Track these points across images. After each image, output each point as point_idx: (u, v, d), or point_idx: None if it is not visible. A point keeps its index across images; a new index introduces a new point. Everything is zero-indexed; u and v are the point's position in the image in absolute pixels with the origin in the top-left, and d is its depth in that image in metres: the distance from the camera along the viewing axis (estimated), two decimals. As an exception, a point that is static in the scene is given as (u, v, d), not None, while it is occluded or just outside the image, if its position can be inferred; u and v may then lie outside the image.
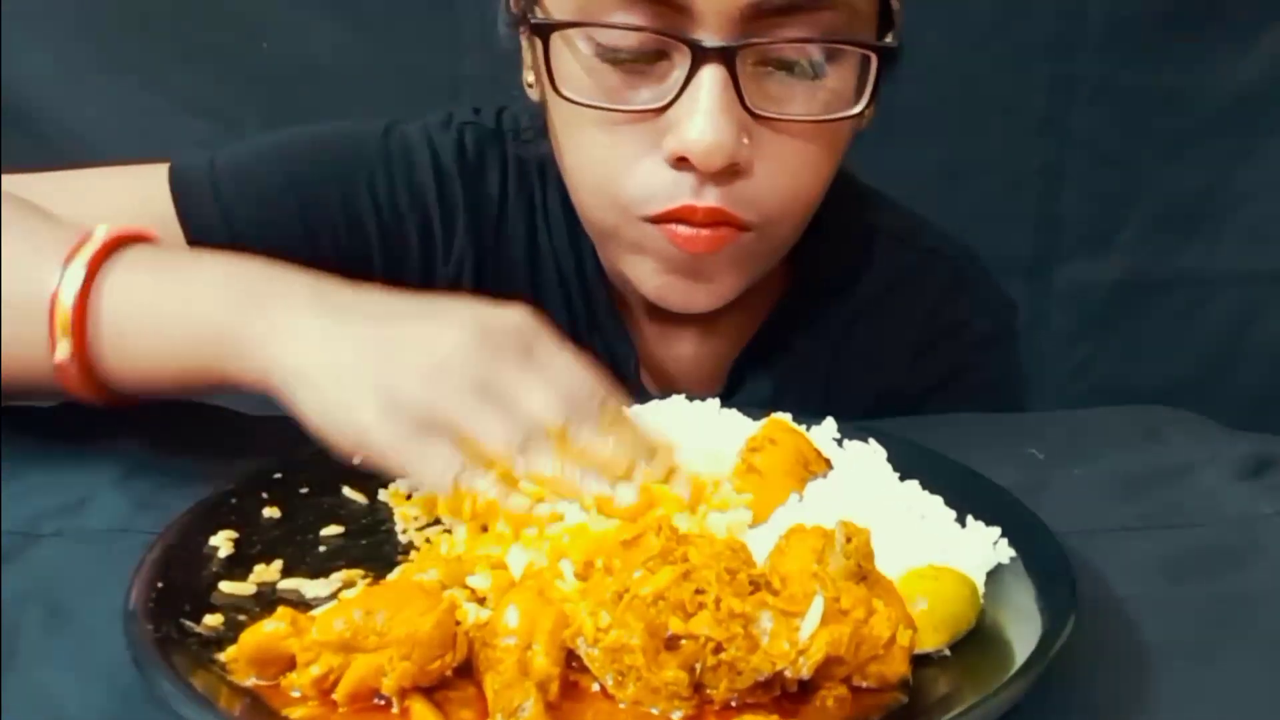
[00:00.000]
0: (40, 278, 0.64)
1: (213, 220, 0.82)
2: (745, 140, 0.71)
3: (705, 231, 0.73)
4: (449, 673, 0.48)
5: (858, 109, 0.73)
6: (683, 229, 0.73)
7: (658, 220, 0.74)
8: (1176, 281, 1.68)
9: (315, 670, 0.47)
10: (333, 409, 0.58)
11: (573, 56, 0.73)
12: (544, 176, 0.89)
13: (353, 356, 0.59)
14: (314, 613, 0.50)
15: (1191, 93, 1.60)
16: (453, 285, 0.89)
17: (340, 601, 0.51)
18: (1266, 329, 1.69)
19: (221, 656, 0.49)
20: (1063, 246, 1.67)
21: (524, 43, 0.81)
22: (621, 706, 0.48)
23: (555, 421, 0.57)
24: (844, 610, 0.48)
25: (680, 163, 0.71)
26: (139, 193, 0.82)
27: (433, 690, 0.48)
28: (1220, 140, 1.63)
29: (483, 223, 0.89)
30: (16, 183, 0.77)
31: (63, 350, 0.63)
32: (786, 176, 0.74)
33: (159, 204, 0.82)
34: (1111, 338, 1.70)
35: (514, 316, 0.61)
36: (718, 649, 0.48)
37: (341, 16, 1.51)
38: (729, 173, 0.71)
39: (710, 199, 0.72)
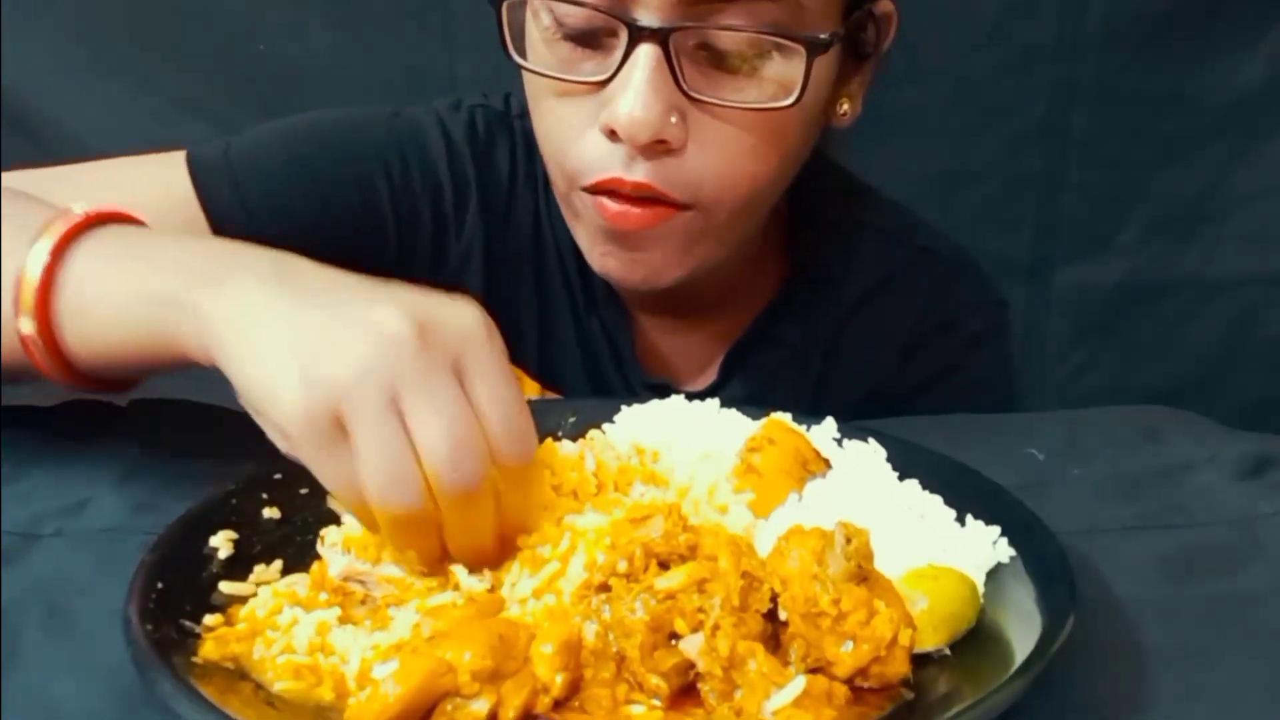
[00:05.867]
0: (15, 256, 0.64)
1: (232, 206, 0.83)
2: (674, 119, 0.72)
3: (635, 209, 0.75)
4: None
5: (789, 101, 0.73)
6: (611, 203, 0.75)
7: (592, 191, 0.76)
8: (1176, 284, 1.68)
9: (481, 706, 0.46)
10: (259, 387, 0.54)
11: (535, 28, 0.75)
12: None
13: (289, 333, 0.54)
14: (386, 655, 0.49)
15: (1191, 96, 1.60)
16: (463, 262, 0.90)
17: (444, 634, 0.49)
18: (1266, 331, 1.69)
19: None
20: (1063, 249, 1.67)
21: None
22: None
23: (431, 466, 0.51)
24: (827, 695, 0.48)
25: (612, 135, 0.73)
26: (159, 182, 0.83)
27: None
28: (1220, 143, 1.63)
29: (493, 201, 0.91)
30: (33, 180, 0.77)
31: (26, 326, 0.63)
32: (722, 160, 0.75)
33: (179, 191, 0.83)
34: (1111, 340, 1.70)
35: (463, 316, 0.55)
36: (698, 676, 0.48)
37: (337, 18, 1.51)
38: (658, 150, 0.73)
39: (639, 174, 0.74)
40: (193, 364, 0.59)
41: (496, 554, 0.55)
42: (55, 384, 0.67)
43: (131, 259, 0.64)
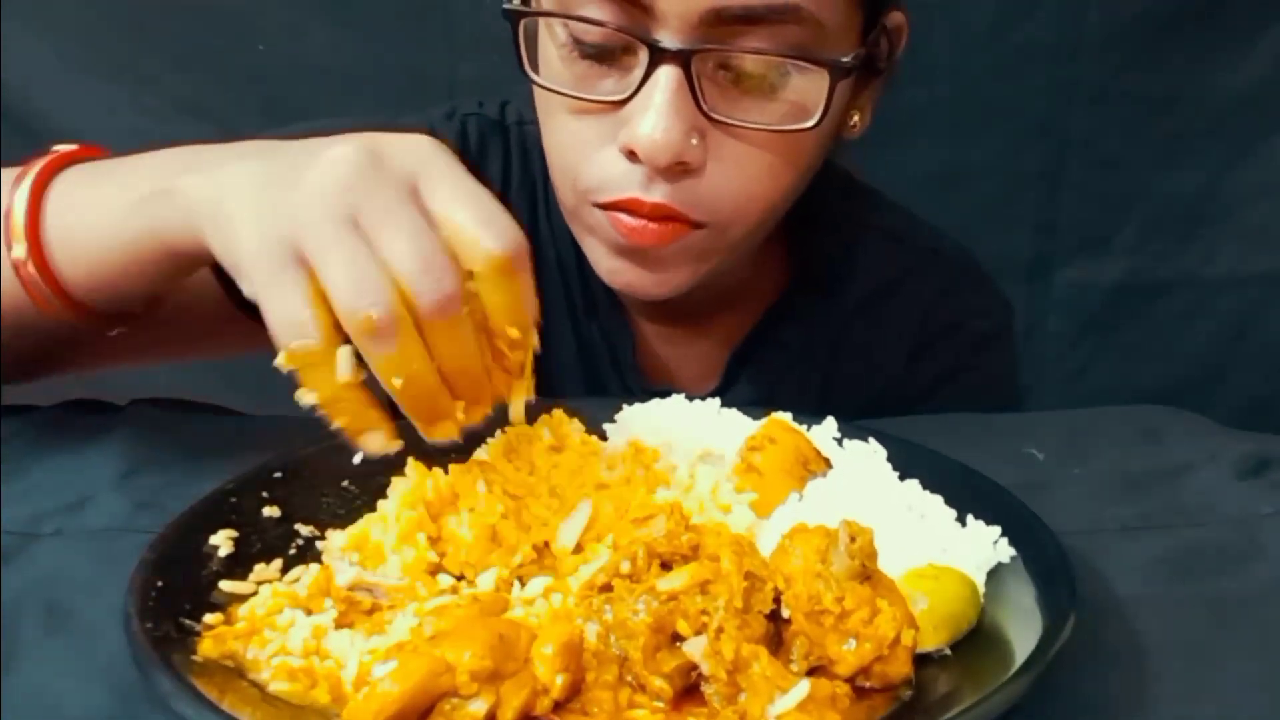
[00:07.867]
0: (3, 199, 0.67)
1: None
2: (695, 141, 0.71)
3: (652, 225, 0.74)
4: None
5: (810, 123, 0.73)
6: (628, 218, 0.74)
7: (607, 208, 0.75)
8: (1175, 283, 1.68)
9: (479, 707, 0.46)
10: (226, 238, 0.56)
11: (550, 44, 0.75)
12: (546, 167, 0.89)
13: (253, 185, 0.56)
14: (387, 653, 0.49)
15: (1190, 96, 1.60)
16: None
17: (445, 633, 0.48)
18: (1265, 330, 1.69)
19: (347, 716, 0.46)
20: (1062, 249, 1.67)
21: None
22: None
23: (406, 284, 0.52)
24: (831, 699, 0.48)
25: (631, 156, 0.72)
26: None
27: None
28: (1219, 143, 1.63)
29: None
30: None
31: (19, 251, 0.65)
32: (739, 180, 0.75)
33: None
34: (1111, 340, 1.70)
35: (412, 142, 0.57)
36: (701, 678, 0.48)
37: (337, 18, 1.51)
38: (678, 170, 0.72)
39: (657, 195, 0.73)
40: (182, 259, 0.61)
41: (485, 384, 0.56)
42: (56, 319, 0.68)
43: (112, 173, 0.67)
